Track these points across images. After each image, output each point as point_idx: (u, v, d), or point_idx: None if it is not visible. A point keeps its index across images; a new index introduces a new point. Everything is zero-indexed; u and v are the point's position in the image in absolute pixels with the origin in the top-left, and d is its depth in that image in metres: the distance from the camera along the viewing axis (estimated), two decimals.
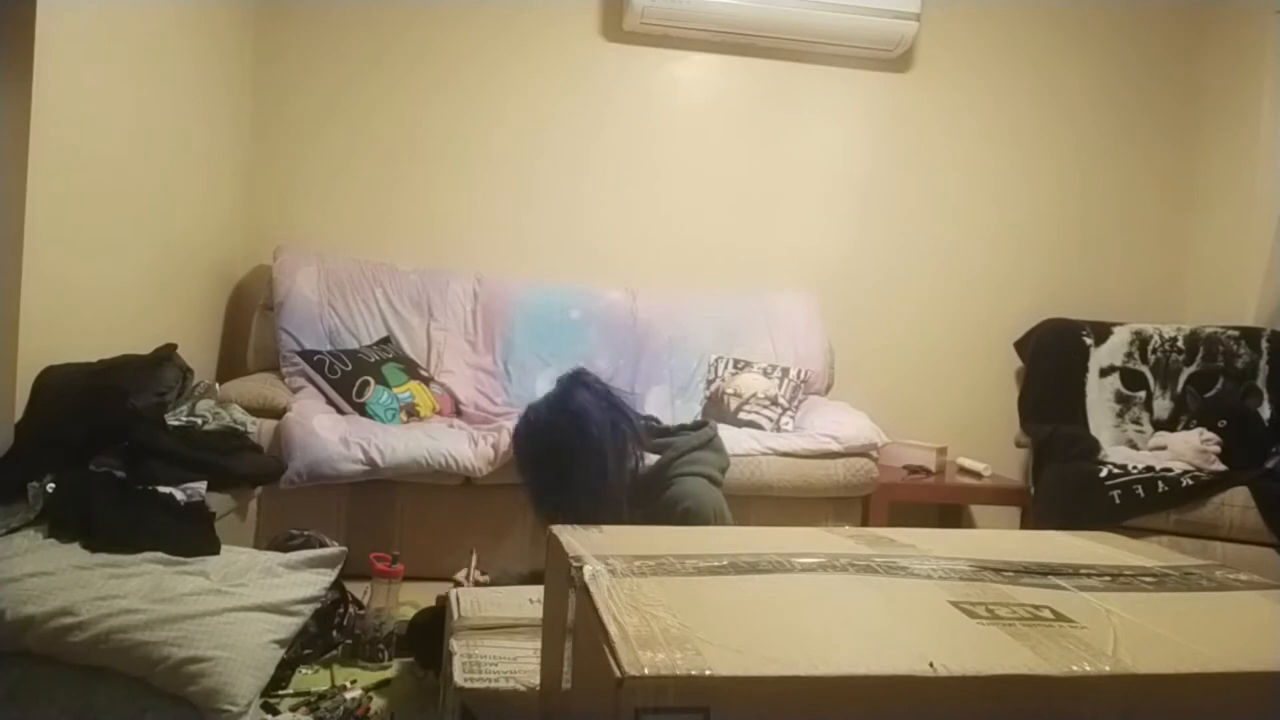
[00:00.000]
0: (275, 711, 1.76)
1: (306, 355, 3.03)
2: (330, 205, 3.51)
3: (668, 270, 3.66)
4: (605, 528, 1.13)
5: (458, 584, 2.12)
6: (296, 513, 2.54)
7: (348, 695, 1.83)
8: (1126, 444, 3.26)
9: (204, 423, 2.32)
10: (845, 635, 0.84)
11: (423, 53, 3.52)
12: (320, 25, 3.46)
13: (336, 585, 2.00)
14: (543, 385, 3.30)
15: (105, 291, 2.43)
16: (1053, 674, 0.76)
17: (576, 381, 2.11)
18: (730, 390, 3.27)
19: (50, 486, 1.85)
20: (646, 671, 0.70)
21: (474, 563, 2.23)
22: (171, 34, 2.74)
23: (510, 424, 2.74)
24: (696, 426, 2.27)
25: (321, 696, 1.83)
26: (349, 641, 2.07)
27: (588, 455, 2.01)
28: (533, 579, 1.95)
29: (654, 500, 2.04)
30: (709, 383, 3.37)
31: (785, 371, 3.31)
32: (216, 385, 2.63)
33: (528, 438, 2.11)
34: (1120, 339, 3.44)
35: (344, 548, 2.01)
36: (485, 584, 2.14)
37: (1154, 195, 3.89)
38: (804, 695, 0.73)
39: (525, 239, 3.61)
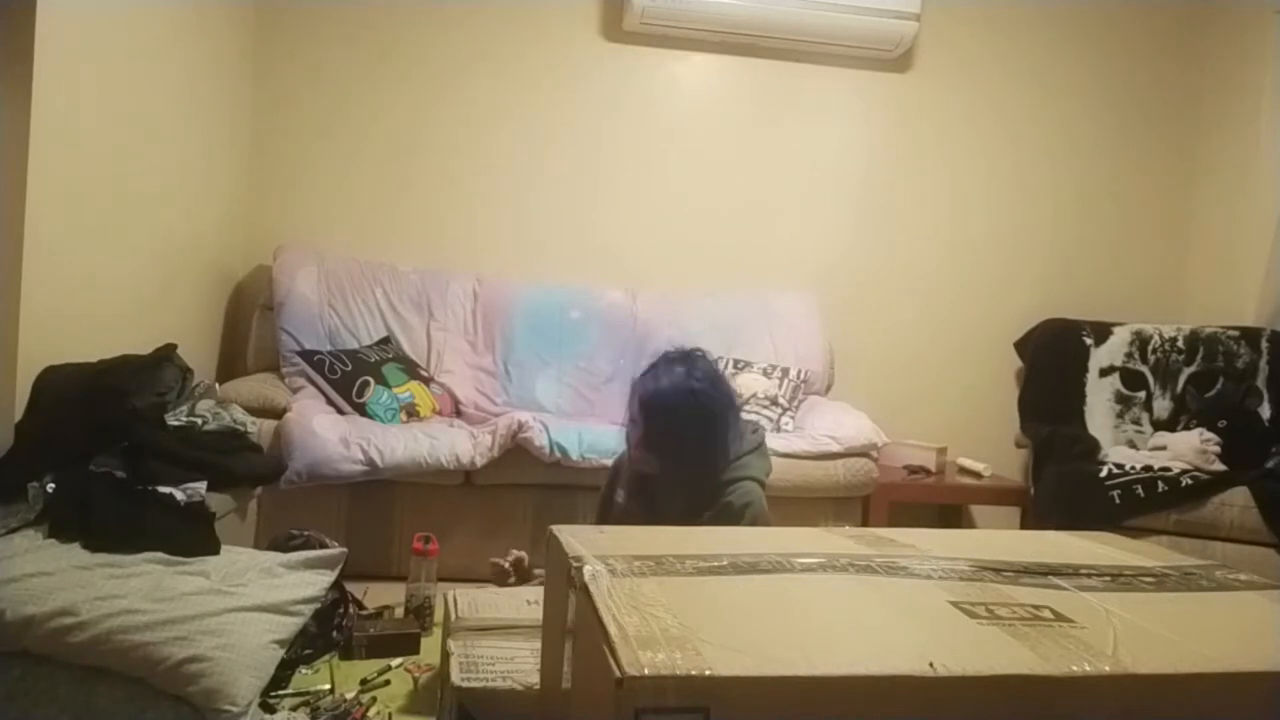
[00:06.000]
0: (275, 711, 1.76)
1: (306, 355, 3.03)
2: (330, 205, 3.51)
3: (668, 270, 3.66)
4: (605, 528, 1.13)
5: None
6: (296, 513, 2.54)
7: (347, 695, 1.83)
8: (1126, 444, 3.26)
9: (204, 423, 2.32)
10: (845, 635, 0.84)
11: (423, 52, 3.52)
12: (320, 25, 3.46)
13: (336, 585, 2.00)
14: (542, 385, 3.32)
15: (105, 292, 2.43)
16: (1053, 674, 0.76)
17: (697, 356, 2.00)
18: None
19: (50, 486, 1.85)
20: (646, 671, 0.70)
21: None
22: (172, 34, 2.74)
23: (508, 419, 2.76)
24: (751, 430, 2.16)
25: (321, 696, 1.83)
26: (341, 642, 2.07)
27: (724, 426, 1.94)
28: None
29: (714, 501, 1.95)
30: None
31: (785, 371, 3.31)
32: (216, 385, 2.63)
33: (670, 407, 1.91)
34: (1120, 339, 3.44)
35: (344, 548, 2.01)
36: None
37: (1154, 195, 3.89)
38: (804, 695, 0.73)
39: (525, 239, 3.61)
